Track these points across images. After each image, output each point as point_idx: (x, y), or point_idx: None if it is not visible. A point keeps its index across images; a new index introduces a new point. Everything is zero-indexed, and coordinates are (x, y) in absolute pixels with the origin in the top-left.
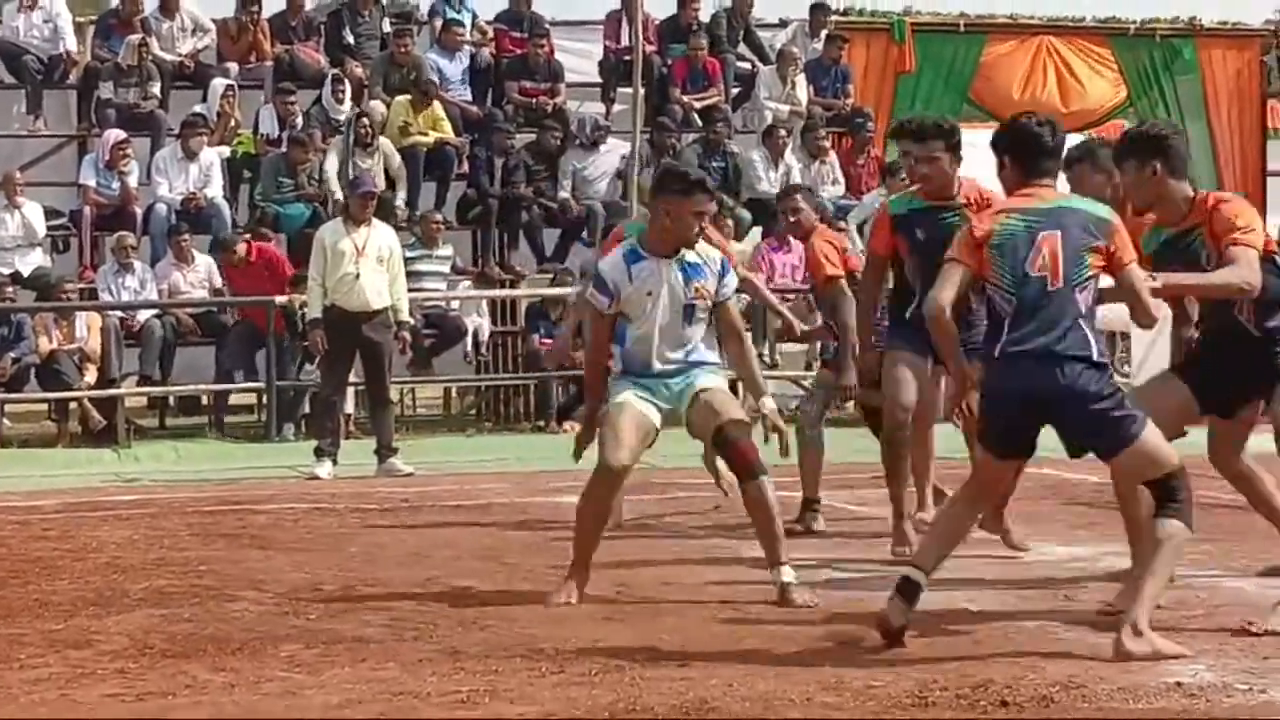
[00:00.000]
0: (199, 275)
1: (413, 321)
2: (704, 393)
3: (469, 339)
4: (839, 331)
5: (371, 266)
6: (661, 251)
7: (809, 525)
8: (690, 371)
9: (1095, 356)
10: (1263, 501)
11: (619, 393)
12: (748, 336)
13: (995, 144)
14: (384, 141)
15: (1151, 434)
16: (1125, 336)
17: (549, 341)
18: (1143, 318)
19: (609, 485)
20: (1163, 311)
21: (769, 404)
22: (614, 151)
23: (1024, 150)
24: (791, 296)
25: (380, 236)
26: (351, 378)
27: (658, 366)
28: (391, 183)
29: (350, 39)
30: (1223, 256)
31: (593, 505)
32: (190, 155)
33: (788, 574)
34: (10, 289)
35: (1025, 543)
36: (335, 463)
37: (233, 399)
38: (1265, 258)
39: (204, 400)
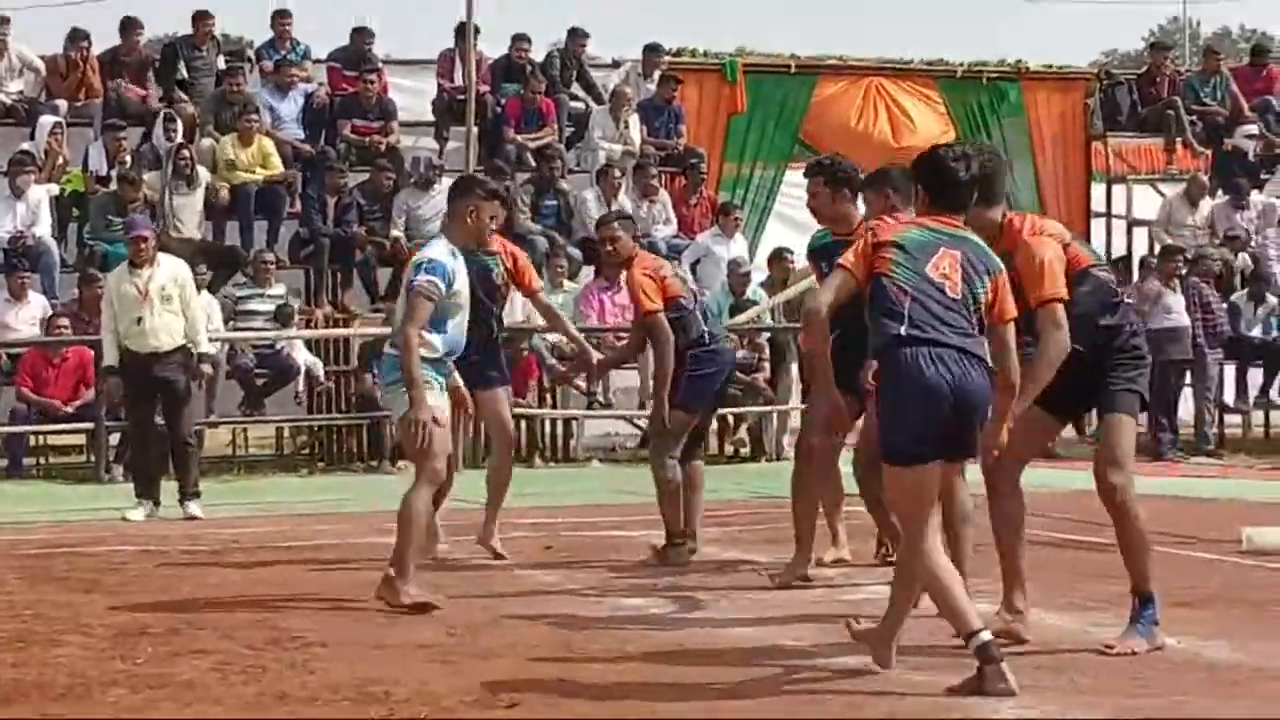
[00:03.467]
0: (31, 313)
1: (213, 352)
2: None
3: (300, 378)
4: (656, 368)
5: (157, 308)
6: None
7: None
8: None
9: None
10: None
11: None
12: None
13: (913, 168)
14: (204, 174)
15: None
16: None
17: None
18: (1004, 375)
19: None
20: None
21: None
22: (447, 191)
23: (935, 181)
24: (625, 336)
25: (165, 274)
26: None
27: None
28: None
29: (184, 74)
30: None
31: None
32: (17, 193)
33: None
34: None
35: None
36: (156, 504)
37: (61, 440)
38: (1081, 272)
39: (32, 441)
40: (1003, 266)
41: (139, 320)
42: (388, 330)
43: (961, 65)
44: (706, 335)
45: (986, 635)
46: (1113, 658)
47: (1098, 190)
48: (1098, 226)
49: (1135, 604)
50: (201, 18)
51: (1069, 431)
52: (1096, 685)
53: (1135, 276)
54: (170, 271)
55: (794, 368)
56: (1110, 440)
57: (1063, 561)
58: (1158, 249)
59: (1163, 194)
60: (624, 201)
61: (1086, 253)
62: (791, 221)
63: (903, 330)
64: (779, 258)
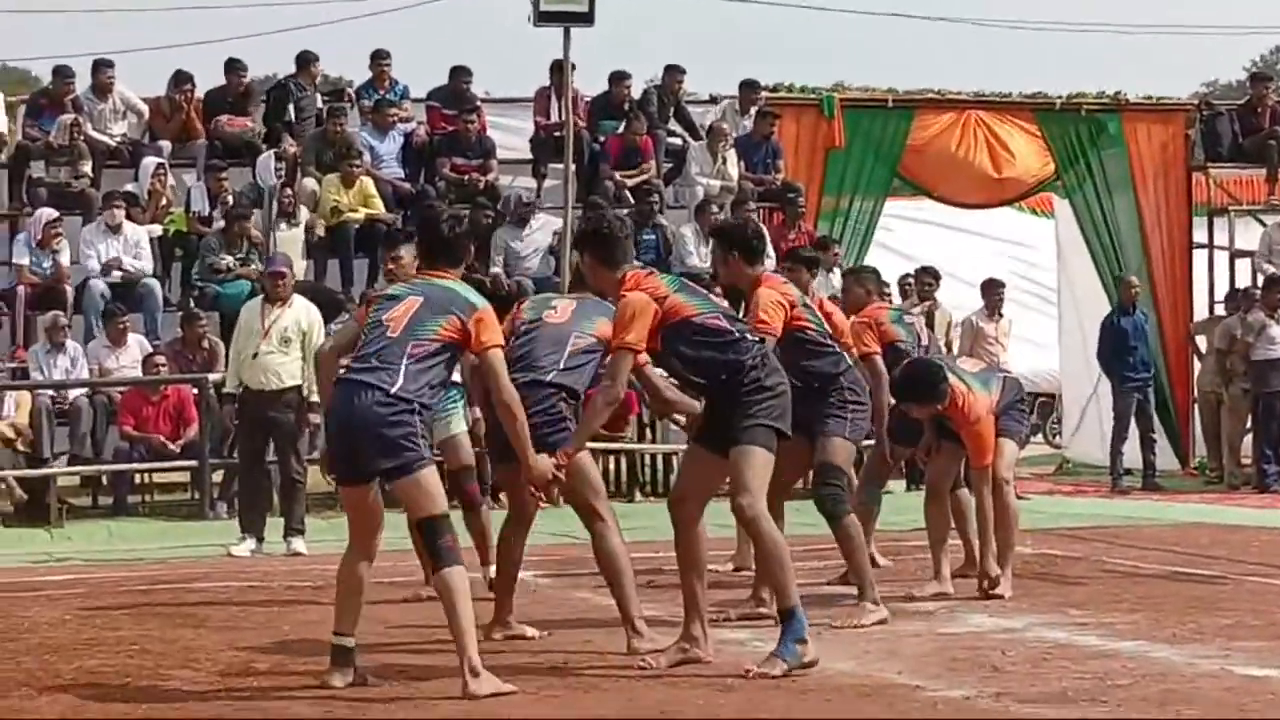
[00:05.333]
0: (131, 356)
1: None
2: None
3: None
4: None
5: (275, 346)
6: None
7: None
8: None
9: None
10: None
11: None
12: None
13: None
14: (305, 213)
15: None
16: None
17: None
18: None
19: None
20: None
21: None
22: (545, 228)
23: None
24: None
25: (291, 316)
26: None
27: None
28: (319, 256)
29: (291, 115)
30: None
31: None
32: (113, 229)
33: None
34: None
35: None
36: (260, 540)
37: (166, 478)
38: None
39: (137, 479)
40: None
41: (254, 355)
42: None
43: (1060, 98)
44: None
45: None
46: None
47: (1199, 222)
48: (1200, 258)
49: (782, 623)
50: (307, 59)
51: (1170, 462)
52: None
53: (1239, 309)
54: (297, 314)
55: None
56: (737, 470)
57: (1172, 593)
58: (1260, 280)
59: (1264, 224)
60: None
61: (690, 303)
62: (895, 253)
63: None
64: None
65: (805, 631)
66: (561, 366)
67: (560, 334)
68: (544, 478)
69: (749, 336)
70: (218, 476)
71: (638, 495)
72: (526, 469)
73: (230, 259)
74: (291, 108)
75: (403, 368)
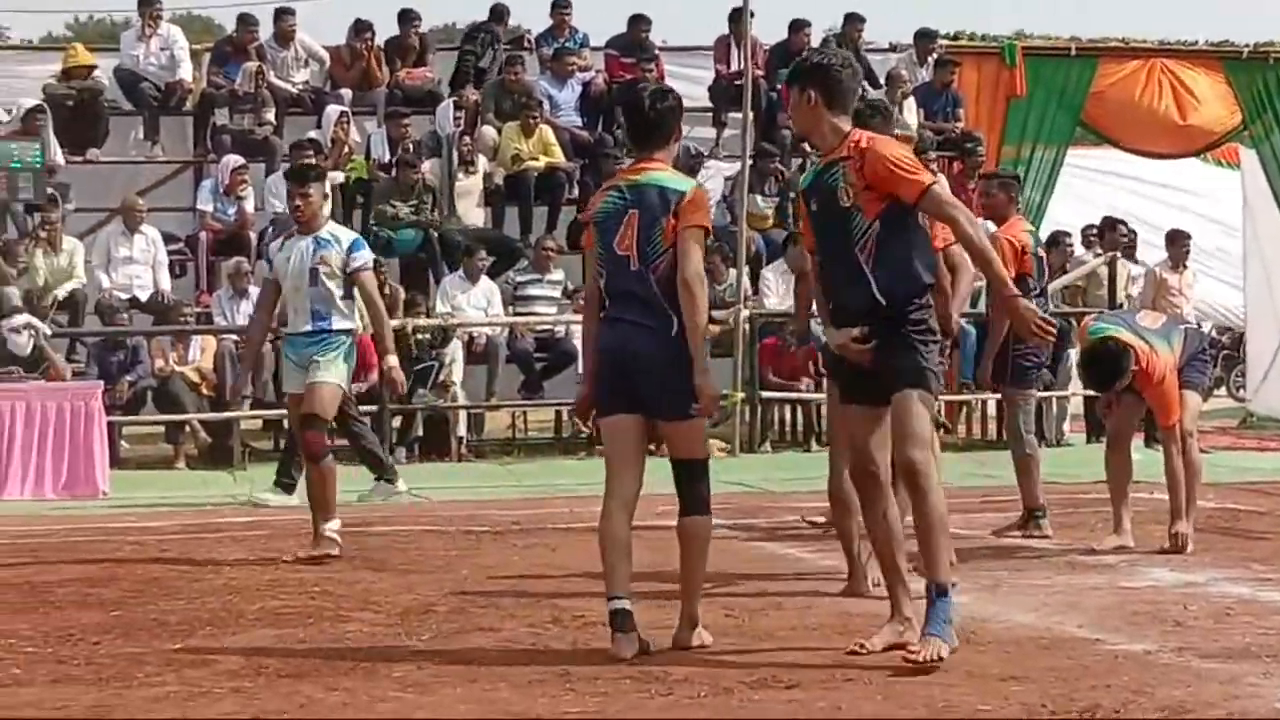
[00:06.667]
0: None
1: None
2: (312, 385)
3: (580, 362)
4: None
5: None
6: (300, 230)
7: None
8: (319, 344)
9: None
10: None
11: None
12: (378, 299)
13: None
14: (484, 162)
15: None
16: (1234, 354)
17: None
18: None
19: None
20: None
21: (391, 361)
22: (718, 176)
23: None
24: None
25: None
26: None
27: (301, 326)
28: (497, 204)
29: (485, 64)
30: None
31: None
32: None
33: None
34: (125, 313)
35: None
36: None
37: None
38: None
39: None
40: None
41: None
42: None
43: (1247, 46)
44: None
45: None
46: None
47: None
48: None
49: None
50: (501, 11)
51: None
52: None
53: None
54: None
55: (1073, 354)
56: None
57: None
58: None
59: None
60: None
61: None
62: (1078, 199)
63: None
64: (1056, 243)
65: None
66: None
67: None
68: (715, 394)
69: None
70: (396, 422)
71: (814, 445)
72: (700, 381)
73: (403, 207)
74: (488, 57)
75: (659, 298)
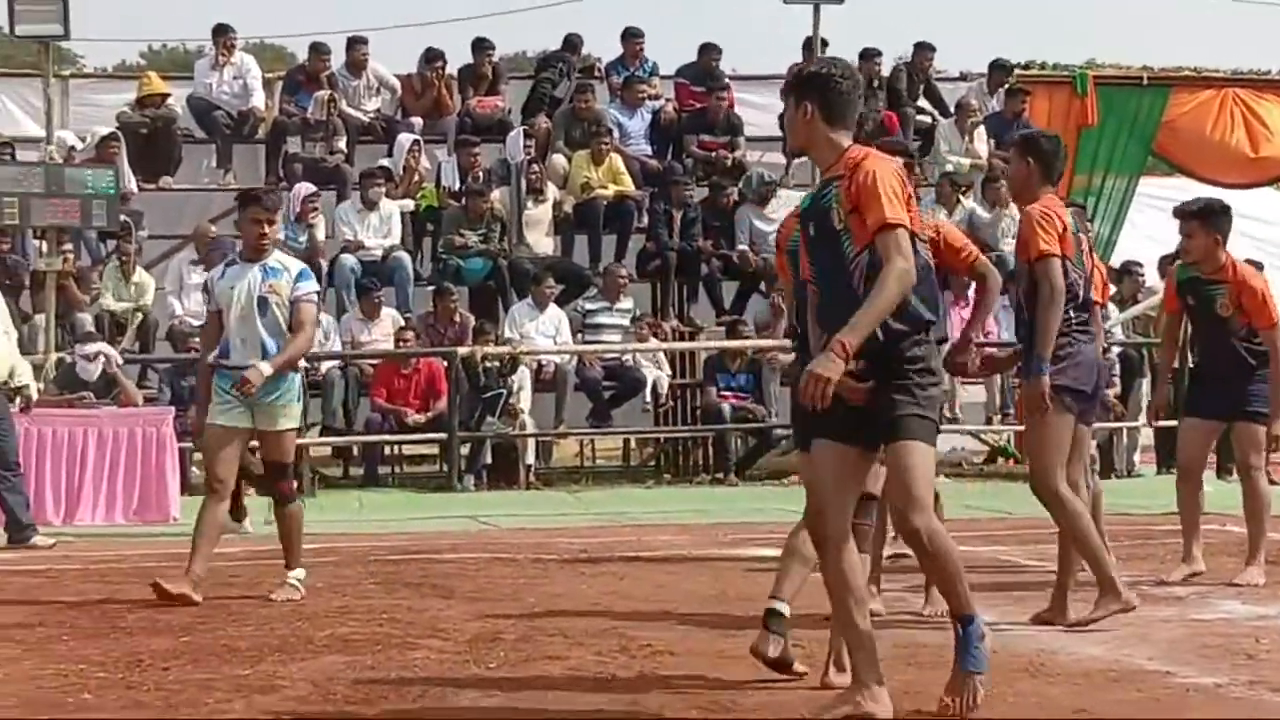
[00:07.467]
0: (384, 329)
1: None
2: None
3: (648, 390)
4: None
5: None
6: (248, 257)
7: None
8: (274, 384)
9: None
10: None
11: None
12: (309, 330)
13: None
14: (553, 190)
15: None
16: None
17: (728, 394)
18: None
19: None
20: None
21: (263, 367)
22: (789, 205)
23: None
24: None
25: None
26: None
27: (249, 359)
28: (566, 232)
29: (559, 93)
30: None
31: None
32: (369, 205)
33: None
34: (197, 339)
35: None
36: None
37: (415, 450)
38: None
39: (386, 450)
40: None
41: None
42: (733, 343)
43: None
44: None
45: None
46: None
47: None
48: None
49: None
50: (574, 41)
51: None
52: None
53: None
54: None
55: (1144, 384)
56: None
57: None
58: None
59: None
60: (971, 205)
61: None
62: (1145, 232)
63: None
64: (1127, 273)
65: None
66: None
67: None
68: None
69: None
70: (465, 450)
71: None
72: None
73: (472, 235)
74: (563, 85)
75: None
